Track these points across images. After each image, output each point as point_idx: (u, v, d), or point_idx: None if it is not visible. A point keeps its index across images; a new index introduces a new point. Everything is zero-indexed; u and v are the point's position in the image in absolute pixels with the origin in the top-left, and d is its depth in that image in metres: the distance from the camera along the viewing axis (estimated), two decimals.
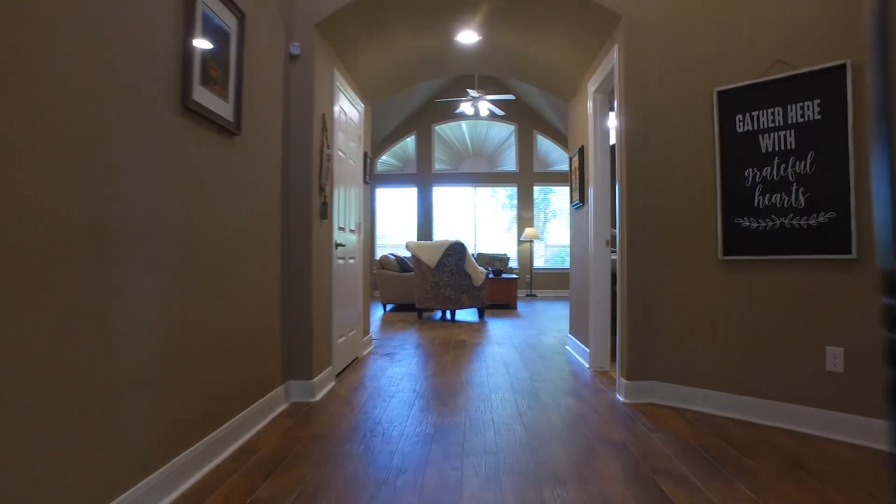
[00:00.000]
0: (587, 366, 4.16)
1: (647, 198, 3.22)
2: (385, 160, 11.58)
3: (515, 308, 8.67)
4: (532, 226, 11.39)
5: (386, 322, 6.98)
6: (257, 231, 2.74)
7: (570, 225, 5.02)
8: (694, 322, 3.04)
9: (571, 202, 4.84)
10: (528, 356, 4.66)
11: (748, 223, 2.83)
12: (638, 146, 3.23)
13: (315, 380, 3.25)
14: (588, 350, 4.18)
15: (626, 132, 3.26)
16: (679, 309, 3.10)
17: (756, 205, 2.80)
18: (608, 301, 4.08)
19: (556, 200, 11.60)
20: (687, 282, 3.07)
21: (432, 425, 2.77)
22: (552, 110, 10.58)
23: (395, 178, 11.58)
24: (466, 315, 7.79)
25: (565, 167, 11.49)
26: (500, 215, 11.68)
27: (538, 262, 11.56)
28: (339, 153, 3.90)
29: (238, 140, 2.49)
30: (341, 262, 3.91)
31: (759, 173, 2.79)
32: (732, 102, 2.89)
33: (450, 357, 4.60)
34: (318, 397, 3.27)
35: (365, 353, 4.70)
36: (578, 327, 4.66)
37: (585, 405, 3.12)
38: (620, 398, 3.24)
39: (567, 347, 5.04)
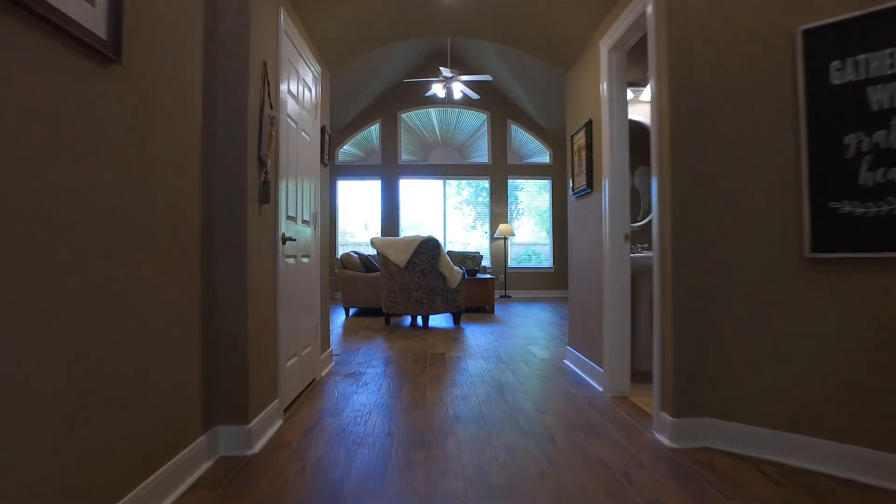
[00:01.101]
0: (601, 389, 3.38)
1: (699, 178, 2.44)
2: (347, 150, 10.64)
3: (493, 312, 7.88)
4: (506, 221, 10.63)
5: (349, 330, 6.08)
6: (160, 219, 1.83)
7: (571, 217, 4.24)
8: (768, 341, 2.28)
9: (574, 189, 4.06)
10: (524, 374, 3.85)
11: (850, 208, 2.08)
12: (685, 111, 2.45)
13: (253, 423, 2.36)
14: (601, 369, 3.40)
15: (668, 92, 2.47)
16: (746, 322, 2.33)
17: (862, 182, 2.05)
18: (627, 310, 3.31)
19: (523, 197, 10.85)
20: (757, 286, 2.30)
21: (419, 497, 1.92)
22: (528, 98, 9.83)
23: (357, 170, 10.65)
24: (440, 321, 6.95)
25: (542, 159, 10.77)
26: (472, 210, 10.88)
27: (509, 261, 10.80)
28: (290, 122, 3.00)
29: (118, 72, 1.58)
30: (291, 260, 3.02)
31: (867, 140, 2.04)
32: (826, 45, 2.13)
33: (428, 377, 3.76)
34: (257, 448, 2.38)
35: (324, 374, 3.80)
36: (584, 340, 3.88)
37: (621, 453, 2.32)
38: (664, 441, 2.45)
39: (566, 363, 4.25)
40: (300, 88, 3.26)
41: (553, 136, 10.70)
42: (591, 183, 3.64)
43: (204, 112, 2.23)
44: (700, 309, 2.44)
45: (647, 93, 4.72)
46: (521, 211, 10.86)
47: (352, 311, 7.78)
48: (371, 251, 9.97)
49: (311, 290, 3.52)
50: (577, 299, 4.05)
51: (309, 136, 3.49)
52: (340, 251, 10.54)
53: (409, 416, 2.85)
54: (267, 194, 2.52)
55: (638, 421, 2.77)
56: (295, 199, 3.11)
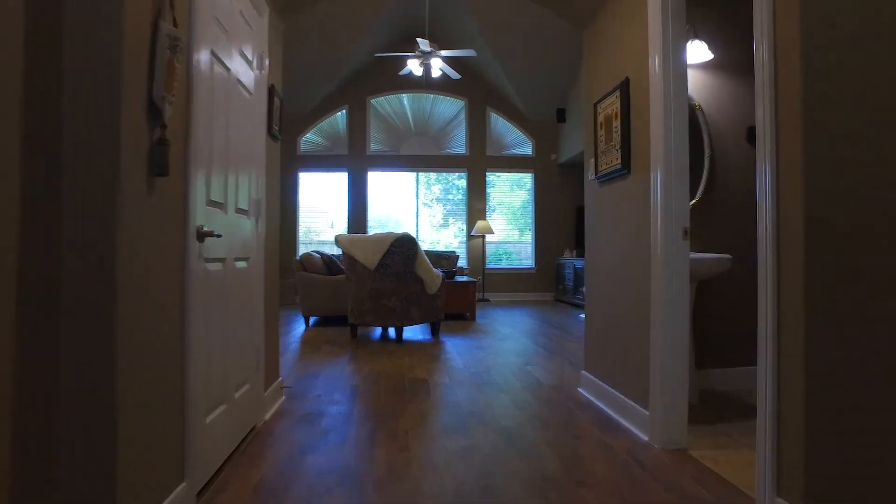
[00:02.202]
0: (646, 438, 2.51)
1: (850, 145, 1.59)
2: (310, 139, 9.61)
3: (474, 319, 7.00)
4: (485, 218, 9.77)
5: (308, 345, 5.10)
6: None
7: (591, 208, 3.37)
8: None
9: (597, 172, 3.19)
10: (534, 412, 2.97)
11: None
12: (828, 44, 1.59)
13: None
14: (645, 411, 2.54)
15: (801, 18, 1.61)
16: None
17: None
18: (688, 330, 2.45)
19: (496, 194, 9.99)
20: None
21: None
22: (510, 82, 8.97)
23: (322, 161, 9.63)
24: (416, 332, 6.02)
25: (523, 151, 9.93)
26: (443, 206, 9.98)
27: (487, 261, 9.94)
28: (216, 63, 2.04)
29: None
30: (216, 265, 2.06)
31: None
32: None
33: (410, 419, 2.84)
34: None
35: (270, 416, 2.84)
36: (613, 367, 3.01)
37: None
38: None
39: (583, 393, 3.38)
40: (235, 21, 2.29)
41: (536, 125, 9.88)
42: (627, 162, 2.77)
43: (32, 15, 1.26)
44: (853, 339, 1.59)
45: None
46: (492, 207, 10.00)
47: (312, 319, 6.79)
48: (337, 251, 8.98)
49: (251, 307, 2.56)
50: (601, 312, 3.18)
51: (249, 92, 2.53)
52: (302, 251, 9.51)
53: (389, 497, 1.93)
54: (164, 161, 1.56)
55: (718, 494, 1.92)
56: (223, 177, 2.15)
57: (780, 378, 1.71)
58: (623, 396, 2.81)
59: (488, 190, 9.93)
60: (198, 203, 1.84)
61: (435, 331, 5.68)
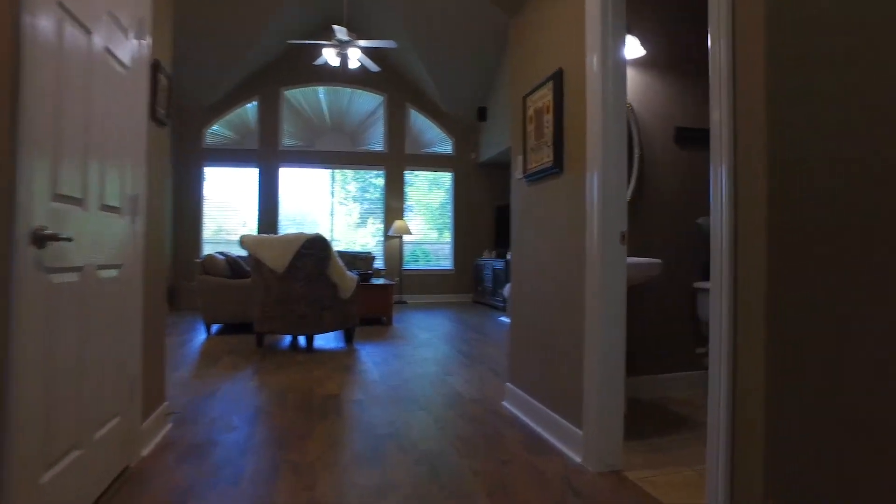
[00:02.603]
0: (578, 460, 2.32)
1: (820, 142, 1.44)
2: (217, 131, 8.91)
3: (391, 323, 6.68)
4: (402, 217, 9.47)
5: (207, 357, 4.59)
6: None
7: (518, 208, 3.16)
8: None
9: (525, 170, 2.98)
10: (457, 432, 2.71)
11: None
12: (799, 26, 1.43)
13: None
14: (577, 430, 2.35)
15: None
16: None
17: None
18: (623, 343, 2.28)
19: (414, 193, 9.74)
20: None
21: None
22: (431, 77, 8.72)
23: (231, 155, 8.95)
24: (329, 340, 5.63)
25: (443, 149, 9.72)
26: (365, 204, 9.59)
27: (404, 262, 9.66)
28: (68, 23, 1.61)
29: None
30: (65, 277, 1.63)
31: None
32: None
33: (319, 447, 2.50)
34: None
35: (148, 452, 2.40)
36: (541, 381, 2.81)
37: None
38: None
39: (508, 406, 3.17)
40: None
41: (456, 124, 9.70)
42: (559, 160, 2.57)
43: None
44: (820, 345, 1.43)
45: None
46: (410, 207, 9.72)
47: (215, 327, 6.22)
48: (243, 252, 8.36)
49: (123, 324, 2.12)
50: (528, 320, 2.98)
51: (123, 66, 2.09)
52: (207, 252, 8.80)
53: None
54: None
55: None
56: (81, 167, 1.73)
57: (735, 385, 1.54)
58: (553, 413, 2.61)
59: (406, 189, 9.63)
60: (35, 198, 1.43)
61: (349, 338, 5.32)
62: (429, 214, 9.83)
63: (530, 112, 2.91)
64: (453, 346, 5.16)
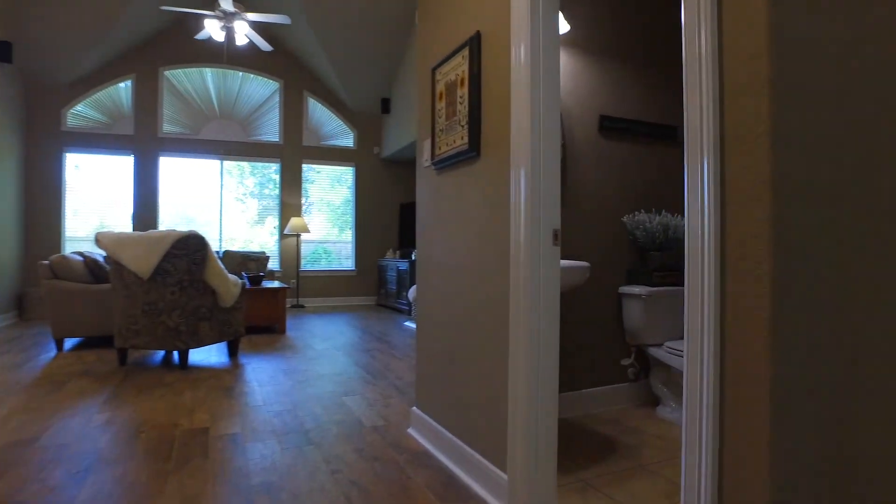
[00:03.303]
0: None
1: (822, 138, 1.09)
2: (82, 112, 7.74)
3: (284, 331, 6.00)
4: (300, 214, 8.75)
5: (49, 380, 3.74)
6: None
7: (426, 201, 2.69)
8: None
9: (434, 156, 2.51)
10: (355, 479, 2.19)
11: None
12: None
13: None
14: (501, 473, 1.91)
15: None
16: None
17: None
18: (557, 363, 1.86)
19: (315, 190, 9.07)
20: None
21: None
22: (332, 66, 8.08)
23: (100, 140, 7.81)
24: (209, 354, 4.89)
25: (345, 142, 9.10)
26: (264, 200, 8.75)
27: (302, 263, 8.94)
28: None
29: None
30: None
31: None
32: None
33: None
34: None
35: None
36: (456, 409, 2.35)
37: None
38: None
39: (413, 435, 2.69)
40: None
41: (359, 115, 9.11)
42: (476, 142, 2.13)
43: None
44: (834, 390, 1.08)
45: None
46: (311, 203, 9.02)
47: (70, 342, 5.25)
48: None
49: None
50: (438, 334, 2.51)
51: None
52: (72, 251, 7.63)
53: None
54: None
55: None
56: None
57: (723, 419, 1.15)
58: (471, 450, 2.16)
59: (307, 185, 8.91)
60: None
61: (233, 351, 4.62)
62: (331, 212, 9.16)
63: (440, 87, 2.44)
64: (354, 359, 4.61)
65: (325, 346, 5.22)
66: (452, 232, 2.38)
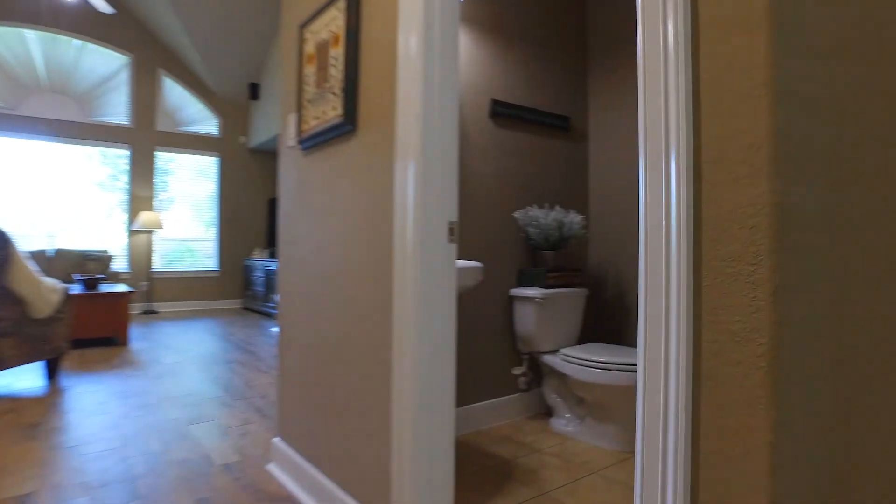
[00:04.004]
0: None
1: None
2: None
3: (126, 343, 5.13)
4: (151, 208, 7.72)
5: None
6: None
7: (292, 189, 2.22)
8: None
9: (303, 132, 2.04)
10: None
11: None
12: None
13: None
14: None
15: None
16: None
17: None
18: (453, 385, 1.50)
19: (176, 182, 8.11)
20: None
21: None
22: (194, 44, 7.18)
23: None
24: (14, 379, 3.99)
25: (208, 129, 8.18)
26: (114, 193, 7.57)
27: (155, 262, 7.91)
28: None
29: None
30: None
31: None
32: None
33: None
34: None
35: None
36: (325, 440, 1.91)
37: None
38: None
39: (275, 473, 2.20)
40: None
41: (224, 101, 8.25)
42: (352, 113, 1.71)
43: None
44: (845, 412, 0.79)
45: None
46: (171, 197, 8.02)
47: None
48: None
49: None
50: (305, 349, 2.06)
51: None
52: None
53: None
54: None
55: None
56: None
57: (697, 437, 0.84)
58: (345, 495, 1.73)
59: (166, 176, 7.88)
60: None
61: (52, 373, 3.77)
62: (194, 207, 8.18)
63: (310, 48, 1.99)
64: (209, 374, 3.97)
65: (177, 359, 4.49)
66: (322, 227, 1.94)
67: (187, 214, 8.15)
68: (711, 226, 0.84)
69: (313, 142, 1.96)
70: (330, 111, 1.83)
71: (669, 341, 0.87)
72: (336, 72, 1.81)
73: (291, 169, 2.20)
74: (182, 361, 4.39)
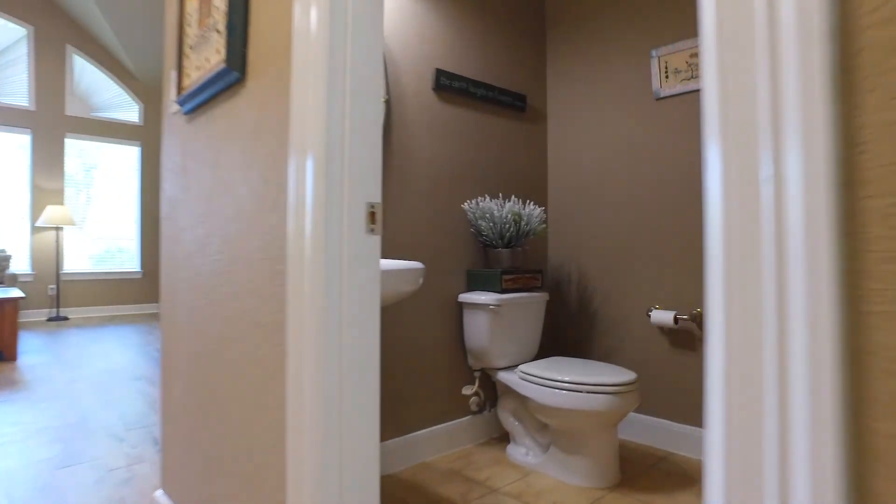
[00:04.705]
0: None
1: None
2: None
3: (14, 358, 4.41)
4: (62, 202, 6.90)
5: None
6: None
7: (171, 167, 1.70)
8: None
9: (182, 89, 1.53)
10: None
11: None
12: None
13: None
14: None
15: None
16: None
17: None
18: (377, 422, 1.03)
19: (99, 174, 7.33)
20: None
21: None
22: (111, 23, 6.40)
23: None
24: None
25: (128, 117, 7.40)
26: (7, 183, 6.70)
27: (74, 263, 7.09)
28: None
29: None
30: None
31: None
32: None
33: None
34: None
35: None
36: (210, 493, 1.41)
37: None
38: None
39: None
40: None
41: (148, 86, 7.48)
42: (240, 57, 1.22)
43: None
44: None
45: None
46: (96, 191, 7.22)
47: None
48: None
49: None
50: (188, 377, 1.55)
51: None
52: None
53: None
54: None
55: None
56: None
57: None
58: None
59: (89, 168, 7.06)
60: None
61: None
62: (116, 201, 7.38)
63: None
64: (106, 395, 3.36)
65: (72, 376, 3.83)
66: (206, 216, 1.44)
67: (110, 210, 7.34)
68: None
69: (195, 101, 1.45)
70: (213, 56, 1.33)
71: (789, 416, 0.44)
72: (219, 4, 1.31)
73: (174, 143, 1.69)
74: (78, 380, 3.75)
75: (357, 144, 0.99)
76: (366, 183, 1.00)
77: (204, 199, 1.46)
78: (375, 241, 1.01)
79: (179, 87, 1.53)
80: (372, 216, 1.01)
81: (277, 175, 1.11)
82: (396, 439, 2.23)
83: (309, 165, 0.98)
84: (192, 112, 1.53)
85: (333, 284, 0.95)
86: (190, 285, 1.54)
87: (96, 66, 7.13)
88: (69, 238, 7.01)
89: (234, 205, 1.29)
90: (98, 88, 7.19)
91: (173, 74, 1.63)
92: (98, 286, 7.19)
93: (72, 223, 6.60)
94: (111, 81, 7.25)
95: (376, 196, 1.02)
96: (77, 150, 7.04)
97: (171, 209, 1.70)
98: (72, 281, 6.97)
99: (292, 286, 1.01)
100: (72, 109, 6.97)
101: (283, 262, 1.07)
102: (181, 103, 1.52)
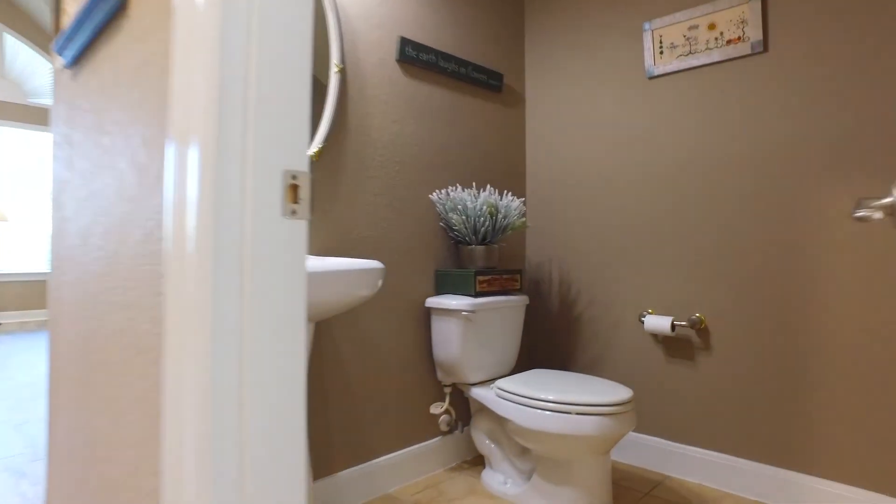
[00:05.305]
0: None
1: None
2: None
3: None
4: None
5: None
6: None
7: (58, 140, 1.34)
8: None
9: (58, 29, 1.17)
10: None
11: None
12: None
13: None
14: None
15: None
16: None
17: None
18: (302, 437, 0.69)
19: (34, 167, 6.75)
20: None
21: None
22: None
23: None
24: None
25: None
26: None
27: (8, 264, 6.49)
28: None
29: None
30: None
31: None
32: None
33: None
34: None
35: None
36: None
37: None
38: None
39: None
40: None
41: None
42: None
43: None
44: None
45: None
46: (12, 185, 6.64)
47: None
48: None
49: None
50: (72, 402, 1.19)
51: None
52: None
53: None
54: None
55: None
56: None
57: None
58: None
59: (22, 161, 6.48)
60: None
61: None
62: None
63: None
64: (19, 416, 2.92)
65: None
66: (89, 198, 1.08)
67: (49, 206, 6.77)
68: None
69: (77, 45, 1.09)
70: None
71: None
72: None
73: (60, 108, 1.32)
74: None
75: (269, 83, 0.66)
76: (283, 142, 0.67)
77: (89, 176, 1.10)
78: (298, 226, 0.67)
79: (56, 28, 1.16)
80: (293, 191, 0.67)
81: (162, 135, 0.77)
82: (352, 469, 1.89)
83: (195, 116, 0.64)
84: (76, 63, 1.16)
85: (228, 291, 0.62)
86: (73, 291, 1.18)
87: (32, 47, 6.55)
88: (1, 235, 6.42)
89: (116, 182, 0.94)
90: (34, 71, 6.61)
91: (55, 17, 1.26)
92: (36, 288, 6.61)
93: (4, 219, 6.03)
94: (43, 57, 6.68)
95: (300, 163, 0.68)
96: (10, 140, 6.46)
97: (59, 193, 1.33)
98: (6, 283, 6.39)
99: (172, 295, 0.67)
100: (3, 94, 6.38)
101: (161, 261, 0.73)
102: (60, 51, 1.15)
